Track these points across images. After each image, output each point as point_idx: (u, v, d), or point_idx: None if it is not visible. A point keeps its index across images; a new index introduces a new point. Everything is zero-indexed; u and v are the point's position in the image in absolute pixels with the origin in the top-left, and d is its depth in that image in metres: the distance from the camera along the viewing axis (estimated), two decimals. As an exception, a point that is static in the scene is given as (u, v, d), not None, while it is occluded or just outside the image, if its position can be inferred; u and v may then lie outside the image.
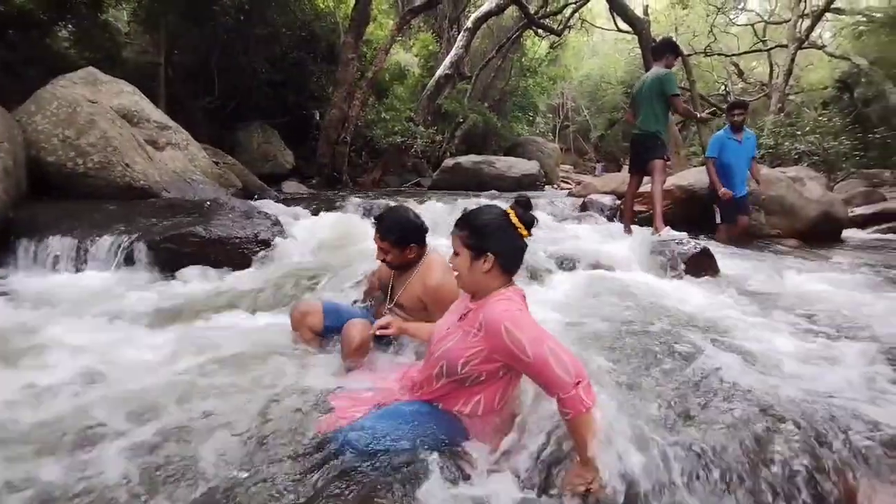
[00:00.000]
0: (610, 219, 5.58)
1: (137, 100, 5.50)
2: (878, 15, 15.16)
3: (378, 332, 1.82)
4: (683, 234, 3.97)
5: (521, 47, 16.49)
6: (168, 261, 3.28)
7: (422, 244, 2.03)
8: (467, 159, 10.61)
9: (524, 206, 1.37)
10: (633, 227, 4.65)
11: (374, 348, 1.91)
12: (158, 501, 1.17)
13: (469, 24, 11.79)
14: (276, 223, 3.88)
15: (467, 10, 15.18)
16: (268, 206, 4.67)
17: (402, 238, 1.95)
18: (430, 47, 13.90)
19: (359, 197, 6.10)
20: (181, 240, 3.33)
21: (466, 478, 1.25)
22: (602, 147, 25.71)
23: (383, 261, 2.01)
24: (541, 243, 3.89)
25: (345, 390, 1.63)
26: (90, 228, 3.43)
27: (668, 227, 4.18)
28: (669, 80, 4.33)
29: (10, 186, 3.57)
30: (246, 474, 1.25)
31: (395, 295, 2.06)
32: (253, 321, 2.51)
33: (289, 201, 5.84)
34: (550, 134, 24.76)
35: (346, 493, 1.18)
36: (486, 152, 12.85)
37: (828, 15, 16.88)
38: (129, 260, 3.25)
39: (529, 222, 1.35)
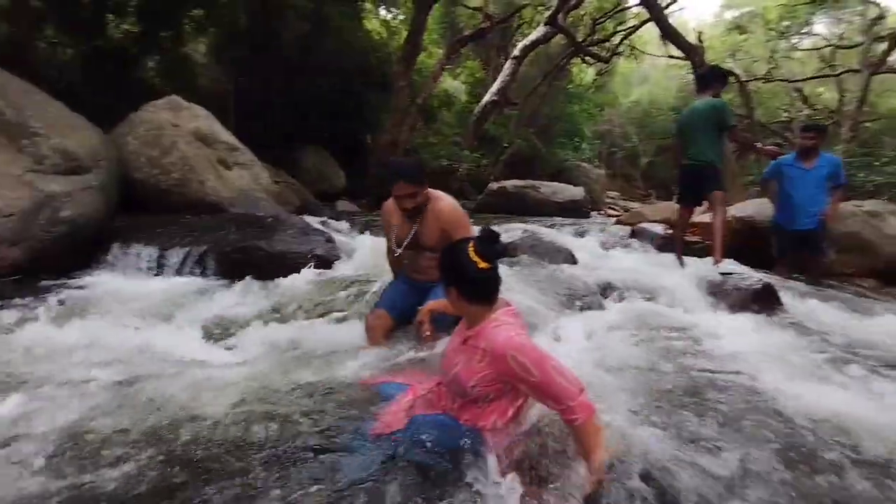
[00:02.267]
0: (660, 249, 5.33)
1: (211, 124, 6.02)
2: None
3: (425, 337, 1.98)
4: (745, 269, 3.75)
5: (568, 74, 16.64)
6: (232, 271, 3.57)
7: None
8: (512, 184, 10.67)
9: (487, 240, 1.47)
10: (686, 258, 4.41)
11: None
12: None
13: (516, 52, 12.08)
14: (330, 240, 4.13)
15: (515, 38, 15.55)
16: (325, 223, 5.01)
17: (422, 177, 2.24)
18: (477, 75, 14.32)
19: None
20: (247, 252, 3.63)
21: (487, 486, 1.33)
22: (651, 174, 25.15)
23: (410, 209, 2.23)
24: (587, 271, 3.84)
25: (386, 398, 1.74)
26: (168, 238, 3.82)
27: (727, 260, 3.97)
28: (727, 112, 4.16)
29: (108, 198, 4.03)
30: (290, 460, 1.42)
31: (420, 241, 2.30)
32: (315, 328, 2.71)
33: (342, 216, 6.26)
34: (597, 160, 24.51)
35: (387, 487, 1.32)
36: (531, 177, 12.89)
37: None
38: (200, 267, 3.59)
39: (490, 254, 1.44)
